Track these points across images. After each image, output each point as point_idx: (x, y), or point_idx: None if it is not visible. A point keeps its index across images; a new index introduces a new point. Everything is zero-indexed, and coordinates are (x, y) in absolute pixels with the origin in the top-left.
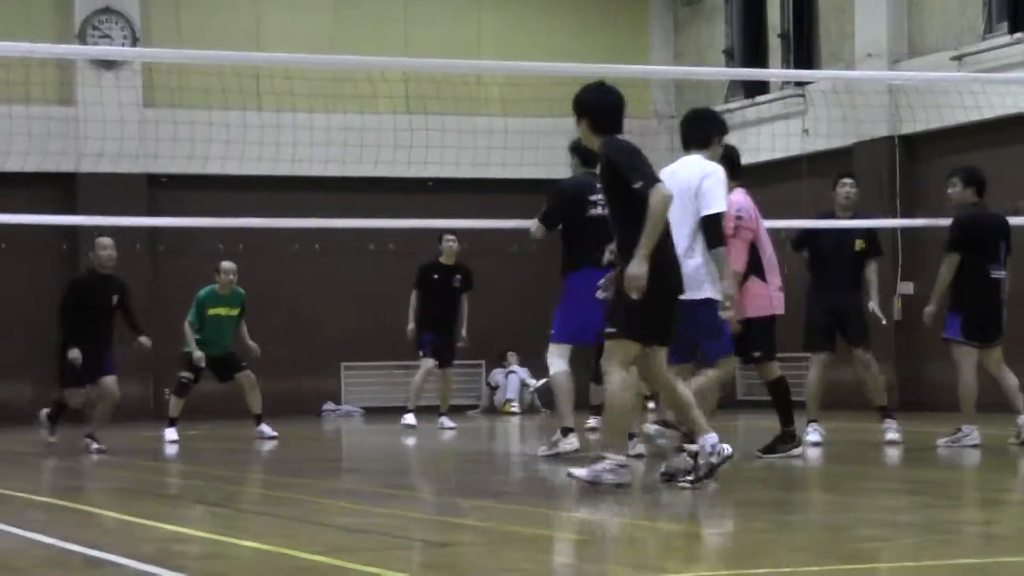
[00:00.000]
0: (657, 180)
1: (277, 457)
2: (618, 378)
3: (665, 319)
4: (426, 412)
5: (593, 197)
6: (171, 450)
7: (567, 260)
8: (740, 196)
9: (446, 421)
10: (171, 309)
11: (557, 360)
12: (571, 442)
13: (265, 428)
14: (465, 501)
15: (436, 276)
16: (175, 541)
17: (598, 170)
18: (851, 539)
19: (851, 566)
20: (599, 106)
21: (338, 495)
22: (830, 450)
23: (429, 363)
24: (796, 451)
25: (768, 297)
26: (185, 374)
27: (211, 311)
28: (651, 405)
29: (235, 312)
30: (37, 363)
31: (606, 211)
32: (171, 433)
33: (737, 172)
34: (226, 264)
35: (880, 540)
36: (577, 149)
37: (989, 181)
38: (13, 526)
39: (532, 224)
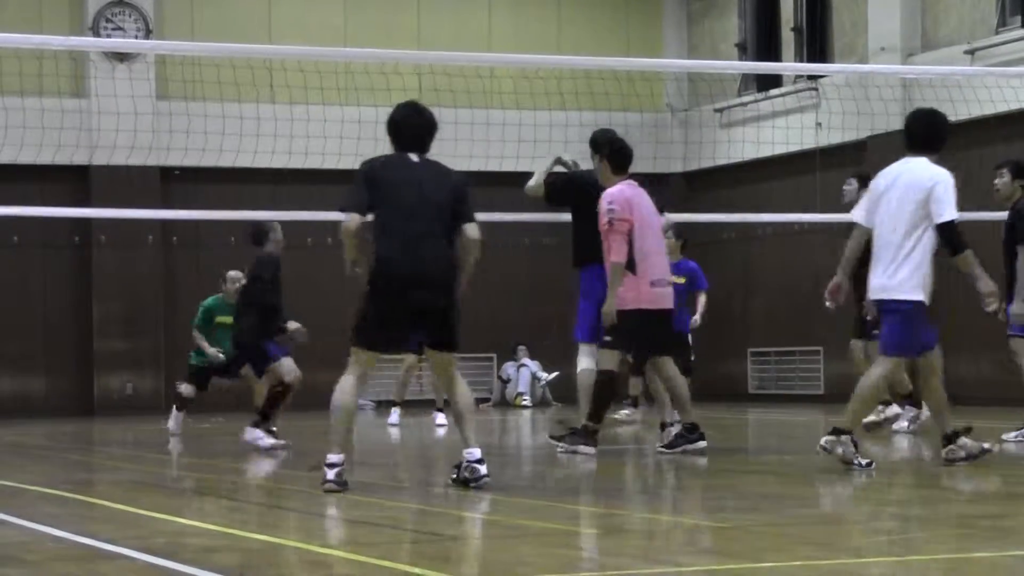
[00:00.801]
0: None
1: (288, 450)
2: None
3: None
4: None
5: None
6: (182, 444)
7: (580, 254)
8: (618, 189)
9: (439, 417)
10: (183, 301)
11: (584, 359)
12: (589, 448)
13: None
14: (476, 494)
15: None
16: (186, 534)
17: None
18: (862, 533)
19: (862, 560)
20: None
21: (350, 488)
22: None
23: (411, 358)
24: (589, 450)
25: (636, 291)
26: (183, 389)
27: (218, 319)
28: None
29: (231, 321)
30: (50, 356)
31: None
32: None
33: (622, 166)
34: (233, 273)
35: (891, 533)
36: (595, 144)
37: None
38: (24, 519)
39: (533, 180)
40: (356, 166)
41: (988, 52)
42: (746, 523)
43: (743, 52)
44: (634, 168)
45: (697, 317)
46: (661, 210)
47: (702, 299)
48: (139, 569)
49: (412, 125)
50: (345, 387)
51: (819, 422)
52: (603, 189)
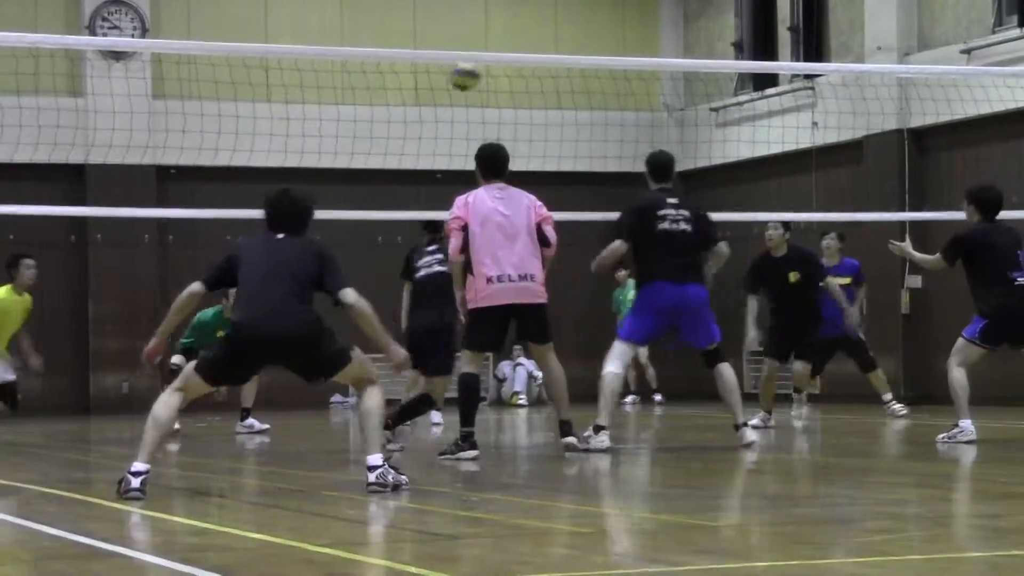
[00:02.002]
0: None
1: (285, 450)
2: None
3: None
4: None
5: (662, 212)
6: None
7: (639, 273)
8: (467, 193)
9: (435, 416)
10: None
11: (615, 361)
12: (602, 440)
13: (254, 422)
14: (472, 494)
15: None
16: (182, 533)
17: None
18: (859, 532)
19: (859, 559)
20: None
21: (346, 488)
22: (836, 443)
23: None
24: (470, 454)
25: (473, 291)
26: (175, 361)
27: (220, 333)
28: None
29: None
30: (46, 354)
31: (676, 226)
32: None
33: (489, 171)
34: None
35: (888, 533)
36: (653, 164)
37: (997, 174)
38: (20, 517)
39: (612, 246)
40: (352, 165)
41: (984, 51)
42: (743, 522)
43: (739, 51)
44: (631, 167)
45: (854, 310)
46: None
47: (859, 293)
48: (135, 568)
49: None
50: (170, 403)
51: (815, 421)
52: (657, 205)
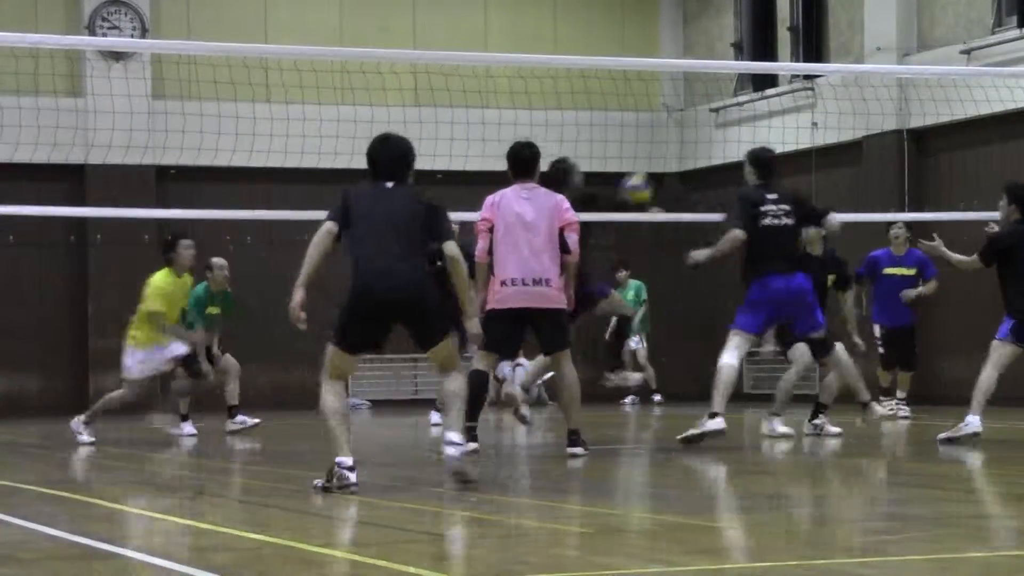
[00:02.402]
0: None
1: (284, 450)
2: None
3: None
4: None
5: (764, 208)
6: (182, 444)
7: (747, 269)
8: (496, 193)
9: (434, 416)
10: None
11: (732, 351)
12: (717, 423)
13: (244, 418)
14: (472, 494)
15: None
16: (182, 533)
17: None
18: (859, 532)
19: (859, 559)
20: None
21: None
22: (835, 442)
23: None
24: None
25: (492, 292)
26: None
27: (209, 309)
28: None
29: (218, 312)
30: (45, 355)
31: (778, 220)
32: (188, 427)
33: (515, 172)
34: (219, 260)
35: (888, 533)
36: (754, 161)
37: (996, 176)
38: (19, 518)
39: (731, 234)
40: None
41: (984, 52)
42: (742, 523)
43: (739, 52)
44: (630, 168)
45: (911, 293)
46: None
47: (931, 284)
48: (134, 568)
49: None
50: (335, 389)
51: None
52: (760, 200)
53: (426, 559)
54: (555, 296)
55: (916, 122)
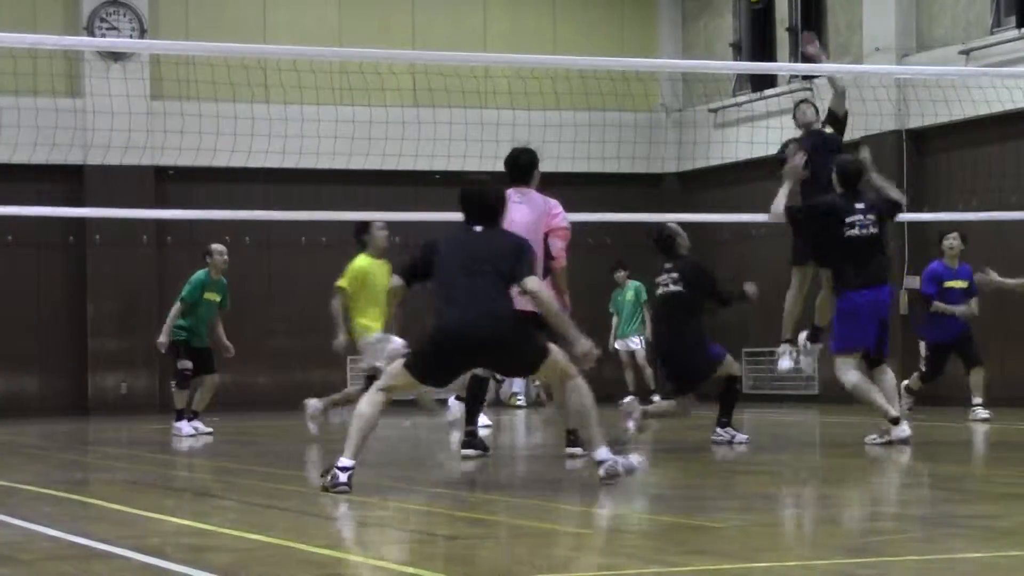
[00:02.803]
0: None
1: (282, 450)
2: None
3: None
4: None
5: (849, 219)
6: (186, 444)
7: (837, 282)
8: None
9: (454, 405)
10: None
11: (850, 372)
12: (903, 429)
13: (199, 424)
14: (472, 495)
15: None
16: (181, 534)
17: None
18: (858, 533)
19: (858, 560)
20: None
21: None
22: (836, 443)
23: None
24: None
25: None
26: (185, 364)
27: (206, 295)
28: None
29: (218, 299)
30: (45, 355)
31: (863, 231)
32: (186, 427)
33: (511, 177)
34: (218, 246)
35: (887, 534)
36: (840, 170)
37: (995, 176)
38: (19, 518)
39: (797, 159)
40: (350, 166)
41: (983, 52)
42: (740, 523)
43: (738, 52)
44: (629, 168)
45: (974, 311)
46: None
47: (975, 301)
48: (133, 568)
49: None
50: (376, 400)
51: (814, 422)
52: (841, 212)
53: (425, 559)
54: (521, 299)
55: (915, 122)
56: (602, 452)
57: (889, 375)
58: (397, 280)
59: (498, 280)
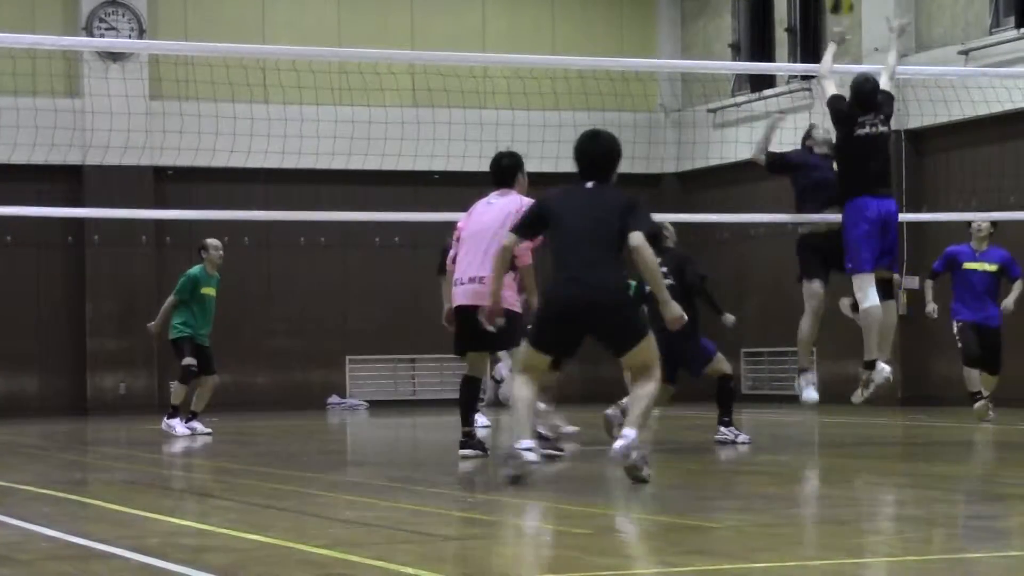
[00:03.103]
0: None
1: (281, 450)
2: None
3: None
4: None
5: (863, 118)
6: (184, 444)
7: (841, 188)
8: (477, 203)
9: (482, 418)
10: None
11: (869, 292)
12: (882, 369)
13: (198, 425)
14: (470, 495)
15: None
16: (179, 534)
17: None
18: (855, 533)
19: (856, 560)
20: None
21: (343, 488)
22: (836, 444)
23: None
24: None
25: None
26: (190, 361)
27: (203, 290)
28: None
29: (214, 295)
30: (44, 355)
31: (874, 129)
32: (180, 426)
33: (494, 181)
34: (212, 241)
35: (885, 534)
36: (856, 90)
37: (994, 176)
38: (17, 518)
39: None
40: (349, 166)
41: (982, 53)
42: (739, 523)
43: (736, 52)
44: (628, 168)
45: (1010, 303)
46: None
47: (1017, 287)
48: (132, 569)
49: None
50: (526, 381)
51: (813, 423)
52: (858, 111)
53: (424, 560)
54: (509, 295)
55: (914, 122)
56: (631, 431)
57: (892, 313)
58: (510, 238)
59: (608, 243)
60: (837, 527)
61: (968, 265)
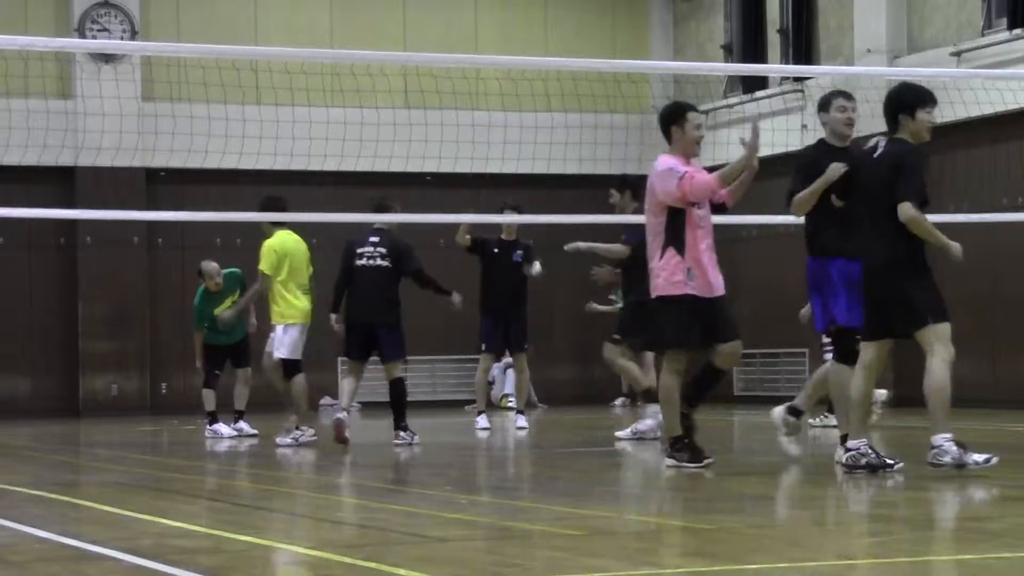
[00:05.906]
0: None
1: (275, 452)
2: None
3: None
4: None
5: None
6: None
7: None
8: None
9: (520, 420)
10: (169, 302)
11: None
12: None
13: (244, 426)
14: (463, 496)
15: (496, 251)
16: (173, 535)
17: None
18: (850, 535)
19: (848, 562)
20: None
21: (336, 490)
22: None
23: (488, 357)
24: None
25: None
26: (198, 364)
27: (215, 311)
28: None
29: (236, 296)
30: (36, 357)
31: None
32: (224, 428)
33: None
34: (209, 267)
35: (879, 535)
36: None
37: (987, 178)
38: (10, 520)
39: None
40: (342, 168)
41: (974, 54)
42: (732, 525)
43: (729, 54)
44: (621, 170)
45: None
46: None
47: None
48: (124, 570)
49: None
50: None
51: (805, 425)
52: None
53: (417, 561)
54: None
55: None
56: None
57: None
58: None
59: (889, 213)
60: (829, 529)
61: None
